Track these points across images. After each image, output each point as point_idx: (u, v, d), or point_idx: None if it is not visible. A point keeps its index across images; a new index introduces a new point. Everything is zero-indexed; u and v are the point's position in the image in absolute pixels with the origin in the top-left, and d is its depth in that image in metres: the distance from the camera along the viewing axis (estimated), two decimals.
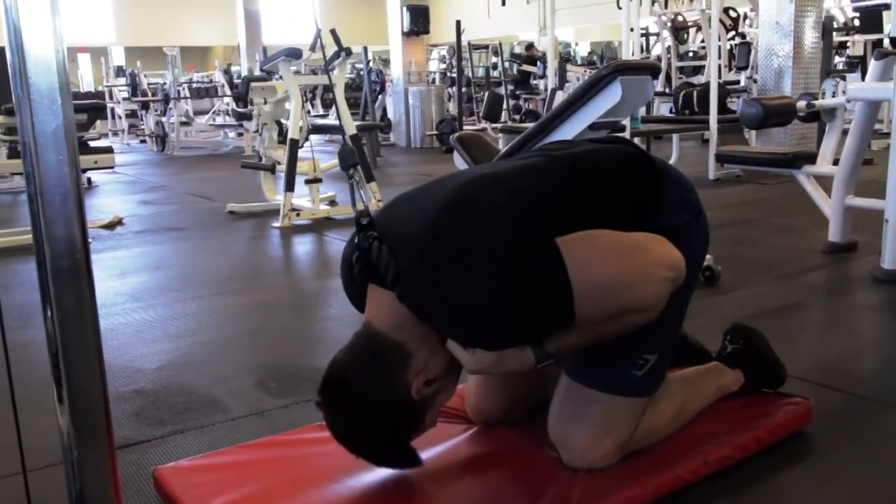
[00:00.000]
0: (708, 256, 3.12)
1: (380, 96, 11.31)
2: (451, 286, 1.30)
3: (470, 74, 12.73)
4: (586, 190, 1.48)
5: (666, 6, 9.53)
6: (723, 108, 6.52)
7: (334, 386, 1.39)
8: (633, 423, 1.54)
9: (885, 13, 9.44)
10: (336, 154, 2.32)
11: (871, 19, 9.52)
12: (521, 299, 1.30)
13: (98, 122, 9.46)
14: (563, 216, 1.40)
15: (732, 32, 9.61)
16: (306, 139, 5.26)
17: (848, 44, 10.12)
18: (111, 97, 13.08)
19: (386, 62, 13.88)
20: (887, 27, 9.15)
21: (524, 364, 1.38)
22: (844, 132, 3.72)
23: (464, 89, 10.29)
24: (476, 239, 1.32)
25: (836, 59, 9.72)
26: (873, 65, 3.49)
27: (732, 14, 9.59)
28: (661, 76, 8.84)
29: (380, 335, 1.37)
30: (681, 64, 9.59)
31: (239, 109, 8.02)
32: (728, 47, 9.27)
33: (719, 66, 7.06)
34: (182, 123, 11.36)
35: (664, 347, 1.54)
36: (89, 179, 7.24)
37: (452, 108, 11.09)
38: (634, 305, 1.37)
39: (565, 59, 12.90)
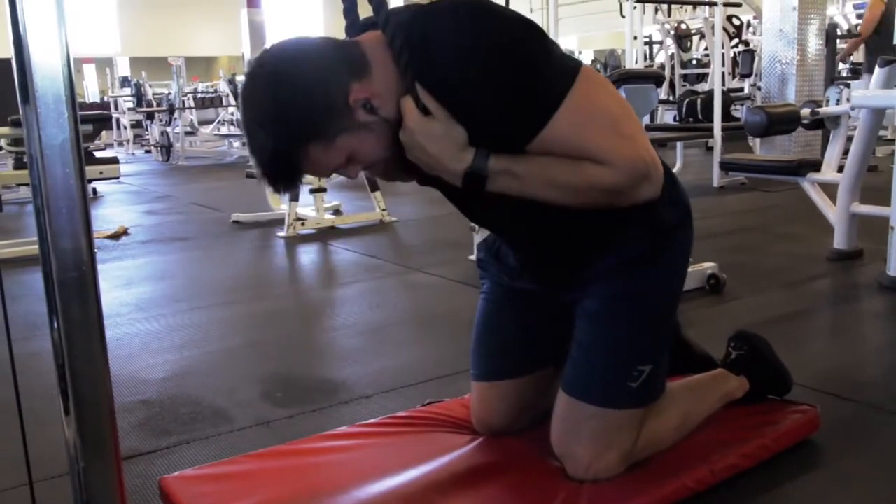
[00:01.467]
0: (713, 264, 3.12)
1: None
2: (446, 26, 1.25)
3: None
4: None
5: (669, 14, 9.55)
6: (727, 115, 6.52)
7: (287, 41, 1.30)
8: (635, 434, 1.53)
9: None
10: None
11: None
12: (521, 63, 1.25)
13: (103, 133, 9.51)
14: None
15: (736, 40, 9.63)
16: None
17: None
18: (116, 107, 13.13)
19: None
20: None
21: (457, 159, 1.28)
22: (849, 139, 3.72)
23: None
24: (497, 10, 1.27)
25: (840, 66, 9.72)
26: (877, 72, 3.49)
27: (736, 22, 9.61)
28: (665, 84, 8.83)
29: (357, 42, 1.31)
30: (684, 72, 9.59)
31: None
32: (732, 55, 9.28)
33: (723, 74, 7.07)
34: (187, 133, 11.40)
35: (658, 356, 1.53)
36: (94, 189, 7.26)
37: None
38: (605, 152, 1.27)
39: None
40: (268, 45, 1.31)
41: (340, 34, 1.43)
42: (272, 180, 1.30)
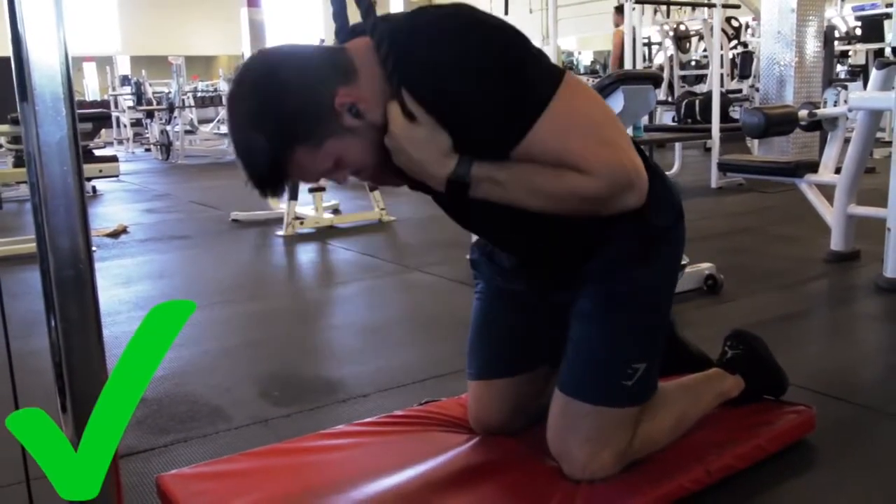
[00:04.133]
0: (710, 265, 3.12)
1: None
2: (441, 28, 1.26)
3: None
4: None
5: (668, 15, 9.56)
6: (725, 116, 6.53)
7: (274, 47, 1.32)
8: (630, 433, 1.53)
9: (886, 22, 9.45)
10: None
11: (872, 28, 9.53)
12: (504, 71, 1.25)
13: (103, 131, 9.50)
14: None
15: (735, 41, 9.63)
16: None
17: (850, 53, 10.13)
18: (116, 106, 13.12)
19: None
20: (889, 36, 9.17)
21: (441, 165, 1.29)
22: (846, 141, 3.73)
23: None
24: (481, 20, 1.28)
25: (838, 68, 9.72)
26: (874, 74, 3.50)
27: (734, 23, 9.61)
28: (664, 85, 8.84)
29: (344, 48, 1.32)
30: (683, 73, 9.59)
31: None
32: (730, 56, 9.29)
33: (721, 75, 7.07)
34: (187, 132, 11.39)
35: (652, 355, 1.53)
36: (94, 188, 7.26)
37: None
38: (587, 160, 1.27)
39: (568, 67, 12.91)
40: (255, 52, 1.32)
41: None
42: (258, 184, 1.31)
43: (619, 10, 8.33)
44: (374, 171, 1.38)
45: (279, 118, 1.24)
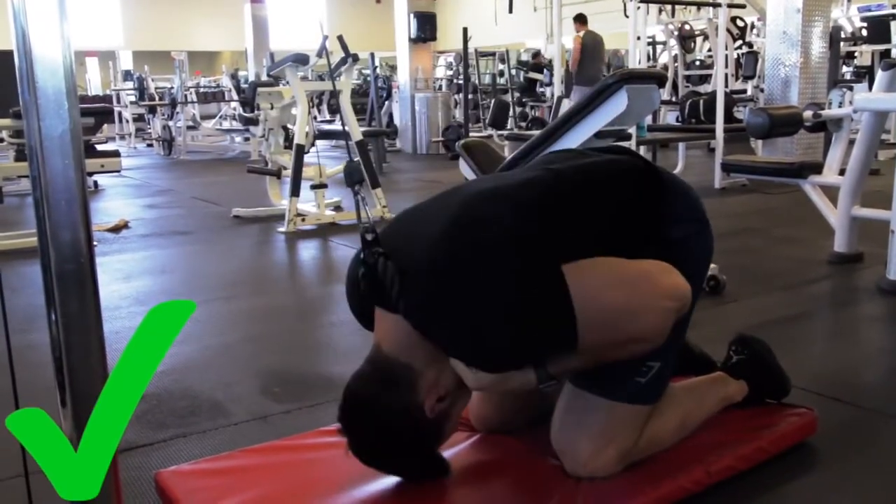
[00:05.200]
0: (713, 266, 3.11)
1: (386, 102, 11.33)
2: (456, 308, 1.32)
3: (476, 81, 12.75)
4: (589, 203, 1.49)
5: (673, 15, 9.53)
6: (729, 117, 6.51)
7: (353, 414, 1.44)
8: (636, 432, 1.53)
9: (892, 23, 9.42)
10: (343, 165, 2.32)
11: (878, 29, 9.50)
12: (525, 324, 1.31)
13: (105, 126, 9.50)
14: (568, 232, 1.42)
15: (739, 42, 9.60)
16: (312, 144, 5.27)
17: (855, 54, 10.10)
18: (119, 101, 13.12)
19: (393, 68, 13.91)
20: (895, 37, 9.15)
21: (526, 384, 1.40)
22: (851, 142, 3.72)
23: (470, 96, 10.31)
24: (482, 261, 1.33)
25: (844, 69, 9.71)
26: (880, 75, 3.49)
27: (740, 23, 9.58)
28: (668, 85, 8.81)
29: (388, 359, 1.40)
30: (687, 73, 9.57)
31: (245, 114, 8.04)
32: (735, 56, 9.27)
33: (726, 76, 7.06)
34: (189, 128, 11.39)
35: (668, 355, 1.54)
36: (96, 183, 7.26)
37: (459, 114, 11.09)
38: (637, 335, 1.38)
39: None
40: (342, 423, 1.47)
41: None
42: (440, 476, 1.54)
43: (579, 18, 9.09)
44: None
45: (414, 462, 1.49)
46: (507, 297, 1.30)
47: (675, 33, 9.40)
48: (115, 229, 5.02)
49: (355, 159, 2.03)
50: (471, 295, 1.31)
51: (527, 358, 1.38)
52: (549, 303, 1.33)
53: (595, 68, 8.93)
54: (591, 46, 8.94)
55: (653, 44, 12.27)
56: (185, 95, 11.64)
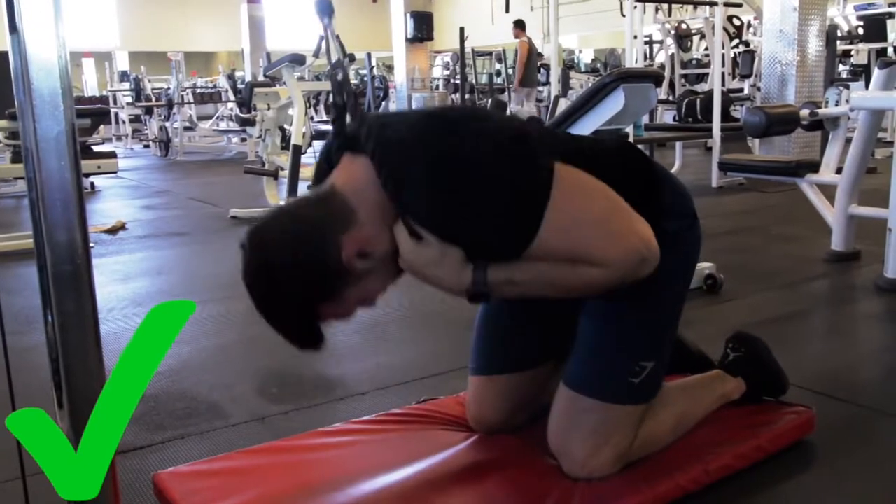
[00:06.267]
0: (710, 264, 3.11)
1: (383, 102, 11.33)
2: (431, 152, 1.27)
3: (473, 81, 12.75)
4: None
5: (670, 14, 9.54)
6: (726, 116, 6.52)
7: (267, 221, 1.35)
8: (632, 432, 1.53)
9: (889, 22, 9.44)
10: None
11: (875, 28, 9.52)
12: (497, 191, 1.27)
13: (102, 127, 9.49)
14: None
15: (736, 40, 9.62)
16: (309, 145, 5.27)
17: (852, 52, 10.12)
18: (115, 102, 13.10)
19: (390, 68, 13.91)
20: (891, 36, 9.17)
21: (458, 279, 1.32)
22: (848, 141, 3.72)
23: (467, 96, 10.31)
24: (472, 123, 1.31)
25: (840, 67, 9.72)
26: (877, 74, 3.49)
27: (736, 22, 9.60)
28: (665, 84, 8.83)
29: (335, 191, 1.32)
30: (684, 72, 9.59)
31: (242, 115, 8.02)
32: (732, 55, 9.28)
33: (723, 74, 7.06)
34: (186, 128, 11.37)
35: (661, 354, 1.54)
36: (92, 184, 7.24)
37: None
38: (596, 256, 1.30)
39: (569, 66, 12.92)
40: (251, 232, 1.36)
41: (338, 29, 1.43)
42: (301, 348, 1.38)
43: (518, 24, 9.80)
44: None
45: (294, 291, 1.29)
46: (490, 159, 1.27)
47: (672, 32, 9.41)
48: (113, 231, 5.01)
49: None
50: (451, 147, 1.27)
51: (482, 235, 1.29)
52: (529, 176, 1.30)
53: (535, 72, 9.78)
54: (534, 51, 9.77)
55: (649, 43, 12.28)
56: (182, 96, 11.63)
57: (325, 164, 1.42)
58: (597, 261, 1.30)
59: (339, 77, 1.36)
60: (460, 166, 1.27)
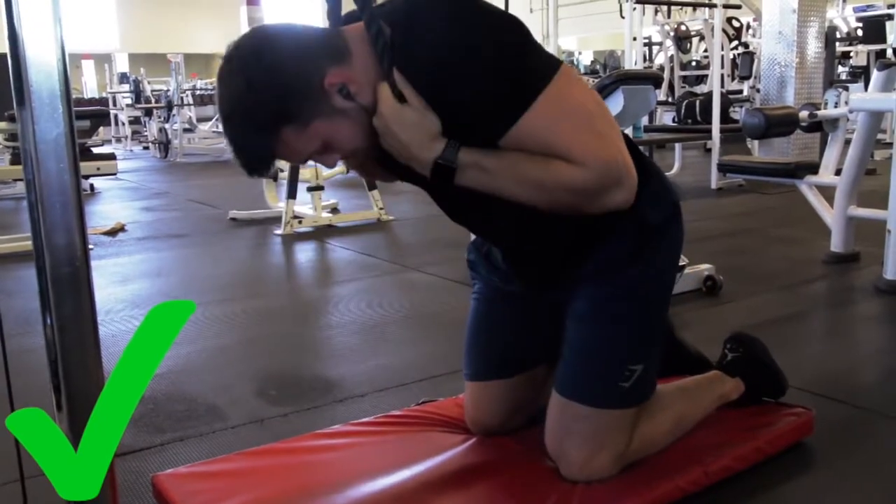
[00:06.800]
0: (710, 266, 3.12)
1: None
2: (429, 15, 1.25)
3: None
4: None
5: (669, 15, 9.55)
6: (725, 117, 6.52)
7: (277, 24, 1.30)
8: (627, 435, 1.53)
9: (888, 23, 9.46)
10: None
11: (874, 29, 9.54)
12: (505, 54, 1.24)
13: (101, 129, 9.49)
14: None
15: (735, 42, 9.62)
16: None
17: (851, 54, 10.13)
18: (115, 104, 13.11)
19: None
20: (890, 37, 9.17)
21: (427, 148, 1.27)
22: (847, 142, 3.72)
23: None
24: (482, 5, 1.28)
25: (839, 69, 9.73)
26: (876, 75, 3.49)
27: (735, 24, 9.60)
28: (664, 85, 8.83)
29: (340, 32, 1.30)
30: (684, 73, 9.59)
31: None
32: (731, 57, 9.28)
33: (722, 76, 7.06)
34: (185, 130, 11.38)
35: (649, 357, 1.53)
36: (92, 186, 7.25)
37: None
38: (577, 150, 1.25)
39: None
40: (259, 26, 1.31)
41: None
42: (246, 163, 1.29)
43: None
44: (364, 156, 1.37)
45: (266, 96, 1.22)
46: (510, 26, 1.26)
47: (671, 34, 9.41)
48: (112, 232, 5.01)
49: None
50: (476, 2, 1.26)
51: (471, 95, 1.25)
52: (539, 56, 1.29)
53: None
54: None
55: (649, 44, 12.29)
56: (182, 98, 11.62)
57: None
58: (576, 157, 1.25)
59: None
60: (469, 23, 1.24)
